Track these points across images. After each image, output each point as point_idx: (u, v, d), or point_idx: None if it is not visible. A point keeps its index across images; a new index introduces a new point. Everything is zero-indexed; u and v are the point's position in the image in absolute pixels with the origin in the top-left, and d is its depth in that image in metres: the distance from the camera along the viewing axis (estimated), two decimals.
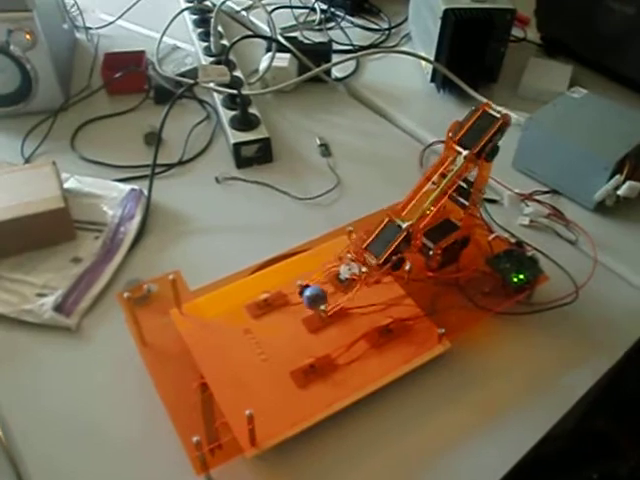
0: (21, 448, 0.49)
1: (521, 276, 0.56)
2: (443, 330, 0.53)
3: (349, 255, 0.53)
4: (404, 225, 0.52)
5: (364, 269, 0.52)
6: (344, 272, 0.52)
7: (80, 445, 0.49)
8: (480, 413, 0.52)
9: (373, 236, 0.53)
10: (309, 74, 0.84)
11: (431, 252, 0.57)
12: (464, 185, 0.56)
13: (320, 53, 0.88)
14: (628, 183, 0.65)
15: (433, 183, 0.55)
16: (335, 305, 0.53)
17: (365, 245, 0.53)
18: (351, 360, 0.52)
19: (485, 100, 0.81)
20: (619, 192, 0.66)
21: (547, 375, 0.55)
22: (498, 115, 0.53)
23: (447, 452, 0.49)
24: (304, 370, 0.51)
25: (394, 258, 0.52)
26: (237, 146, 0.75)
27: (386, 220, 0.53)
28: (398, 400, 0.52)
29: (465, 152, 0.53)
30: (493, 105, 0.56)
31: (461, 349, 0.54)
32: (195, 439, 0.44)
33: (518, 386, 0.54)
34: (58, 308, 0.57)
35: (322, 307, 0.52)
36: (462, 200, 0.57)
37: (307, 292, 0.52)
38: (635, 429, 0.69)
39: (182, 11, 0.98)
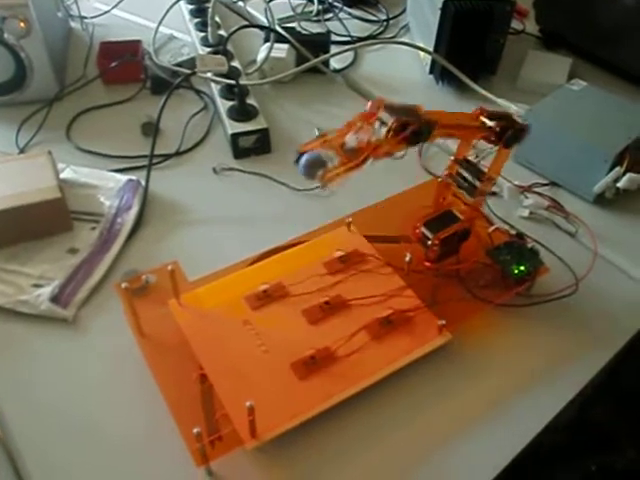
0: (18, 440, 0.48)
1: (522, 267, 0.56)
2: (444, 321, 0.53)
3: (359, 124, 0.47)
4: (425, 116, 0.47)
5: (374, 138, 0.46)
6: (351, 140, 0.46)
7: (78, 437, 0.49)
8: (480, 405, 0.52)
9: (396, 106, 0.47)
10: (307, 65, 0.84)
11: (429, 242, 0.56)
12: (470, 178, 0.56)
13: (318, 44, 0.87)
14: (628, 175, 0.65)
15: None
16: (334, 173, 0.46)
17: (387, 106, 0.47)
18: (351, 351, 0.51)
19: (483, 91, 0.81)
20: (619, 184, 0.66)
21: (547, 367, 0.54)
22: (522, 122, 0.53)
23: (447, 444, 0.49)
24: (304, 362, 0.51)
25: (411, 128, 0.45)
26: (235, 137, 0.74)
27: (410, 105, 0.48)
28: (398, 391, 0.52)
29: (490, 123, 0.51)
30: (505, 109, 0.55)
31: (461, 340, 0.54)
32: (195, 431, 0.44)
33: (518, 378, 0.54)
34: (55, 299, 0.57)
35: (320, 172, 0.45)
36: (471, 185, 0.56)
37: (304, 158, 0.45)
38: (634, 421, 0.70)
39: (178, 1, 0.97)
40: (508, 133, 0.52)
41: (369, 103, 0.48)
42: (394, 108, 0.48)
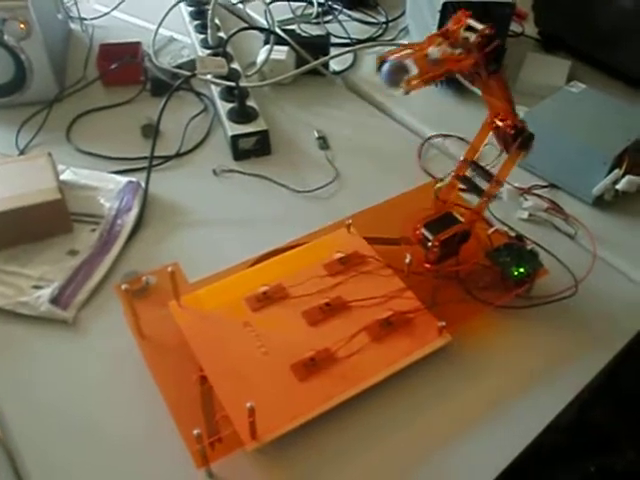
0: (18, 441, 0.48)
1: (521, 269, 0.56)
2: (444, 323, 0.53)
3: (439, 40, 0.47)
4: None
5: (458, 50, 0.46)
6: (433, 52, 0.46)
7: (77, 438, 0.49)
8: (480, 406, 0.52)
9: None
10: (307, 67, 0.84)
11: (429, 244, 0.57)
12: (476, 182, 0.56)
13: (318, 46, 0.88)
14: (627, 177, 0.65)
15: None
16: (418, 81, 0.46)
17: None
18: (351, 353, 0.52)
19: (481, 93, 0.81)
20: (618, 186, 0.66)
21: (546, 368, 0.55)
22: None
23: (447, 445, 0.49)
24: (304, 363, 0.51)
25: (496, 43, 0.45)
26: (235, 138, 0.74)
27: None
28: (398, 393, 0.52)
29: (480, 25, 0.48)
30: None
31: (461, 342, 0.54)
32: (195, 432, 0.44)
33: (517, 379, 0.54)
34: (54, 301, 0.57)
35: (404, 78, 0.45)
36: (478, 187, 0.56)
37: (387, 64, 0.45)
38: (633, 422, 0.70)
39: (178, 2, 0.97)
40: (526, 133, 0.52)
41: (452, 17, 0.48)
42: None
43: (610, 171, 0.66)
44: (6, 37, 0.74)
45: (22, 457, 0.48)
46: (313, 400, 0.48)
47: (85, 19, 0.97)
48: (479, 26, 0.47)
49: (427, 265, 0.58)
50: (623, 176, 0.66)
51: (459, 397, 0.52)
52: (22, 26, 0.74)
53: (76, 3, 0.97)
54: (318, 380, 0.50)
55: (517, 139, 0.53)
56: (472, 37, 0.47)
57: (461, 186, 0.60)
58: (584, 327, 0.58)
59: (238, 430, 0.46)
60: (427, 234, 0.57)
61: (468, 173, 0.58)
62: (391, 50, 0.47)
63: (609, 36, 0.85)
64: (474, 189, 0.57)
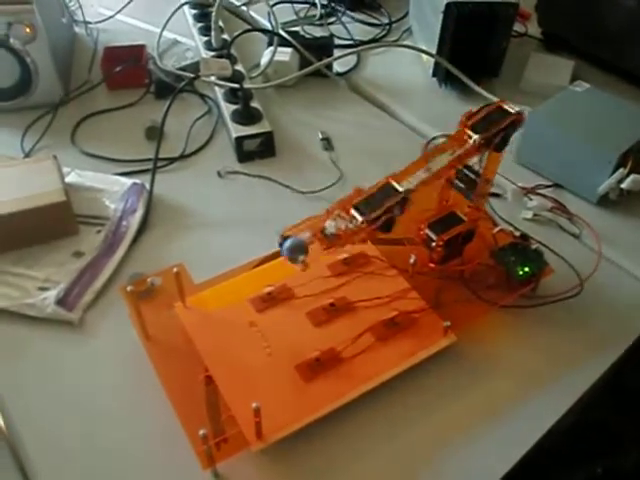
0: (24, 442, 0.49)
1: (526, 269, 0.56)
2: (449, 323, 0.53)
3: (337, 211, 0.50)
4: (402, 189, 0.50)
5: (351, 225, 0.49)
6: (330, 227, 0.49)
7: (83, 439, 0.49)
8: (485, 406, 0.52)
9: (366, 195, 0.50)
10: (311, 68, 0.84)
11: (434, 244, 0.56)
12: (472, 176, 0.56)
13: (321, 47, 0.88)
14: (632, 176, 0.65)
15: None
16: (315, 256, 0.49)
17: (355, 202, 0.50)
18: (356, 353, 0.52)
19: (485, 94, 0.81)
20: (623, 185, 0.66)
21: (551, 368, 0.54)
22: (513, 111, 0.53)
23: (452, 445, 0.49)
24: (309, 363, 0.51)
25: (384, 218, 0.49)
26: (239, 140, 0.74)
27: (384, 182, 0.51)
28: (404, 393, 0.52)
29: (476, 136, 0.52)
30: (491, 98, 0.55)
31: (466, 342, 0.54)
32: (201, 433, 0.44)
33: (522, 379, 0.54)
34: (60, 302, 0.57)
35: (301, 257, 0.48)
36: (468, 191, 0.57)
37: (287, 242, 0.48)
38: (639, 422, 0.69)
39: (182, 5, 0.98)
40: (496, 139, 0.52)
41: (351, 191, 0.51)
42: (368, 200, 0.50)
43: (615, 170, 0.66)
44: (12, 40, 0.74)
45: (29, 457, 0.48)
46: (318, 400, 0.48)
47: (90, 22, 0.97)
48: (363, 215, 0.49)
49: (431, 265, 0.58)
50: (628, 175, 0.66)
51: (465, 397, 0.52)
52: (28, 30, 0.75)
53: (81, 7, 0.97)
54: (323, 380, 0.50)
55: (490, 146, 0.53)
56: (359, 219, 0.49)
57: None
58: (589, 326, 0.58)
59: (244, 430, 0.46)
60: (431, 234, 0.57)
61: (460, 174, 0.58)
62: (294, 225, 0.50)
63: (613, 35, 0.85)
64: (464, 190, 0.57)
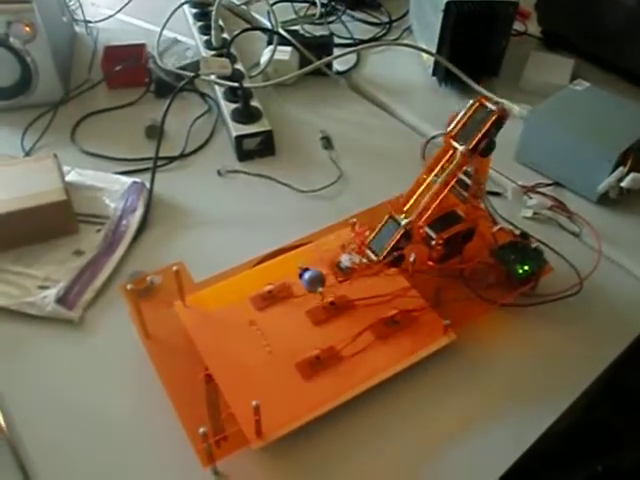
0: (25, 441, 0.49)
1: (526, 267, 0.56)
2: (449, 321, 0.53)
3: (352, 246, 0.54)
4: (403, 222, 0.53)
5: (364, 260, 0.53)
6: (345, 261, 0.53)
7: (83, 438, 0.49)
8: (485, 405, 0.52)
9: (374, 233, 0.54)
10: (310, 67, 0.84)
11: (433, 242, 0.57)
12: (466, 179, 0.56)
13: (321, 46, 0.88)
14: (632, 175, 0.65)
15: (435, 176, 0.55)
16: (335, 289, 0.54)
17: (368, 241, 0.54)
18: (356, 352, 0.52)
19: (485, 92, 0.81)
20: (623, 184, 0.66)
21: (551, 367, 0.54)
22: (494, 108, 0.52)
23: (452, 444, 0.49)
24: (309, 362, 0.51)
25: (394, 254, 0.53)
26: (239, 139, 0.74)
27: (387, 217, 0.54)
28: (403, 391, 0.52)
29: (461, 148, 0.53)
30: (492, 97, 0.55)
31: (466, 340, 0.54)
32: (201, 430, 0.44)
33: (523, 378, 0.54)
34: (60, 301, 0.57)
35: (320, 289, 0.53)
36: (463, 193, 0.57)
37: (306, 275, 0.52)
38: (639, 421, 0.69)
39: (182, 4, 0.98)
40: (481, 145, 0.52)
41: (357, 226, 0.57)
42: (377, 238, 0.54)
43: (615, 169, 0.66)
44: (12, 40, 0.74)
45: (29, 456, 0.48)
46: (318, 399, 0.49)
47: (90, 22, 0.97)
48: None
49: (430, 263, 0.58)
50: (628, 174, 0.66)
51: (464, 396, 0.52)
52: (27, 29, 0.75)
53: (81, 6, 0.97)
54: (323, 379, 0.50)
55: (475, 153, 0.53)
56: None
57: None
58: (589, 325, 0.58)
59: (243, 428, 0.46)
60: (431, 232, 0.57)
61: None
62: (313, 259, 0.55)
63: (613, 34, 0.85)
64: (459, 194, 0.58)
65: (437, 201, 0.54)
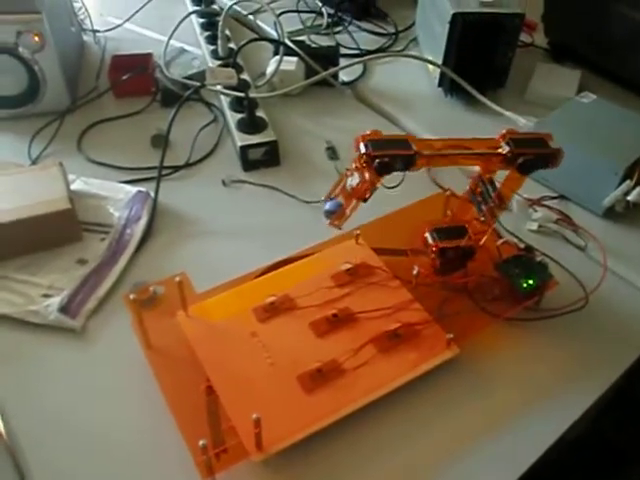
0: (25, 449, 0.49)
1: (530, 281, 0.56)
2: (452, 335, 0.52)
3: (354, 164, 0.52)
4: (414, 147, 0.51)
5: (358, 179, 0.51)
6: (349, 182, 0.53)
7: (84, 447, 0.49)
8: (488, 420, 0.51)
9: (384, 138, 0.52)
10: (316, 77, 0.84)
11: (429, 249, 0.56)
12: (490, 190, 0.55)
13: (327, 57, 0.88)
14: (638, 189, 0.65)
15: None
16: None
17: (368, 138, 0.51)
18: (358, 365, 0.51)
19: (490, 104, 0.81)
20: (629, 198, 0.65)
21: (556, 382, 0.54)
22: (553, 146, 0.54)
23: (455, 459, 0.49)
24: (311, 374, 0.50)
25: (386, 160, 0.50)
26: (244, 149, 0.74)
27: (403, 136, 0.53)
28: (406, 406, 0.51)
29: (506, 148, 0.52)
30: (513, 122, 0.55)
31: (470, 354, 0.54)
32: (201, 443, 0.43)
33: (527, 392, 0.53)
34: (63, 309, 0.57)
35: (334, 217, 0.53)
36: (480, 205, 0.56)
37: (327, 205, 0.53)
38: None
39: (189, 14, 0.98)
40: (521, 159, 0.52)
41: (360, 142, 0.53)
42: (380, 142, 0.51)
43: (621, 182, 0.66)
44: (20, 49, 0.75)
45: (29, 465, 0.48)
46: (319, 412, 0.48)
47: (98, 31, 0.98)
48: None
49: (433, 276, 0.57)
50: (634, 187, 0.65)
51: (467, 410, 0.52)
52: (36, 39, 0.75)
53: (89, 16, 0.98)
54: (325, 392, 0.50)
55: (514, 163, 0.53)
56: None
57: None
58: (595, 340, 0.57)
59: (244, 441, 0.46)
60: (429, 238, 0.57)
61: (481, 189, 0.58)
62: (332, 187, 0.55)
63: (620, 45, 0.85)
64: (479, 207, 0.57)
65: (447, 164, 0.53)
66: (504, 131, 0.54)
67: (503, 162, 0.53)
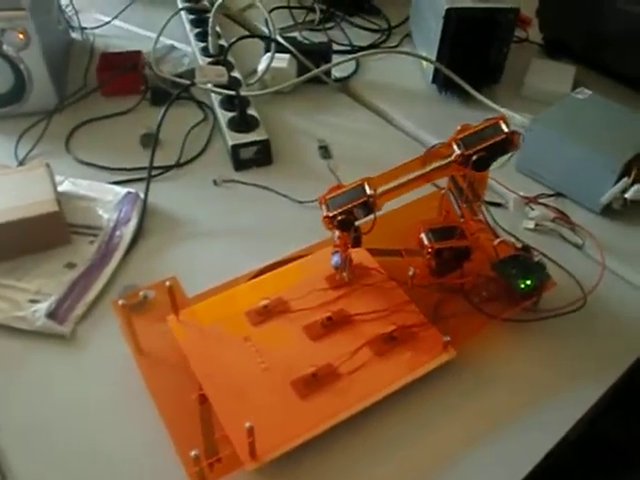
0: (10, 460, 0.47)
1: (528, 282, 0.55)
2: (448, 338, 0.51)
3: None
4: (368, 192, 0.51)
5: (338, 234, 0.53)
6: (335, 237, 0.54)
7: (72, 456, 0.48)
8: (487, 422, 0.50)
9: (341, 191, 0.53)
10: (308, 75, 0.83)
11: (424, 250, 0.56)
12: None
13: (320, 53, 0.87)
14: (636, 186, 0.64)
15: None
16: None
17: (329, 196, 0.52)
18: (354, 369, 0.50)
19: (486, 100, 0.80)
20: (626, 195, 0.65)
21: (554, 383, 0.53)
22: (506, 130, 0.52)
23: (453, 463, 0.48)
24: (305, 379, 0.49)
25: (344, 217, 0.51)
26: (235, 148, 0.73)
27: (358, 182, 0.53)
28: (402, 409, 0.50)
29: (457, 151, 0.51)
30: (509, 119, 0.54)
31: (467, 356, 0.53)
32: (193, 453, 0.42)
33: (525, 394, 0.52)
34: (51, 315, 0.56)
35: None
36: (460, 205, 0.56)
37: (332, 261, 0.56)
38: None
39: (179, 11, 0.97)
40: (474, 157, 0.51)
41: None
42: (339, 198, 0.53)
43: (619, 179, 0.65)
44: (5, 47, 0.73)
45: (12, 471, 0.46)
46: (314, 418, 0.47)
47: (86, 28, 0.96)
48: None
49: (430, 277, 0.56)
50: (632, 184, 0.64)
51: (465, 413, 0.51)
52: (21, 36, 0.73)
53: (77, 13, 0.96)
54: (319, 397, 0.49)
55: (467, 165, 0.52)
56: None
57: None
58: (593, 340, 0.56)
59: (237, 450, 0.45)
60: (425, 239, 0.56)
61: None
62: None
63: (615, 41, 0.84)
64: (457, 203, 0.57)
65: (409, 190, 0.53)
66: (459, 127, 0.53)
67: (460, 165, 0.52)
